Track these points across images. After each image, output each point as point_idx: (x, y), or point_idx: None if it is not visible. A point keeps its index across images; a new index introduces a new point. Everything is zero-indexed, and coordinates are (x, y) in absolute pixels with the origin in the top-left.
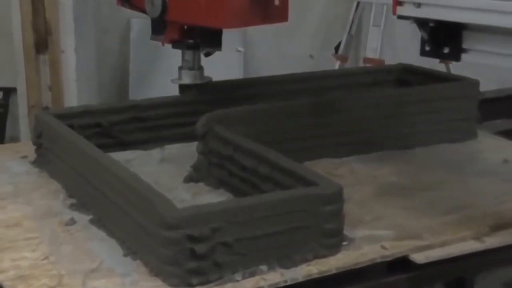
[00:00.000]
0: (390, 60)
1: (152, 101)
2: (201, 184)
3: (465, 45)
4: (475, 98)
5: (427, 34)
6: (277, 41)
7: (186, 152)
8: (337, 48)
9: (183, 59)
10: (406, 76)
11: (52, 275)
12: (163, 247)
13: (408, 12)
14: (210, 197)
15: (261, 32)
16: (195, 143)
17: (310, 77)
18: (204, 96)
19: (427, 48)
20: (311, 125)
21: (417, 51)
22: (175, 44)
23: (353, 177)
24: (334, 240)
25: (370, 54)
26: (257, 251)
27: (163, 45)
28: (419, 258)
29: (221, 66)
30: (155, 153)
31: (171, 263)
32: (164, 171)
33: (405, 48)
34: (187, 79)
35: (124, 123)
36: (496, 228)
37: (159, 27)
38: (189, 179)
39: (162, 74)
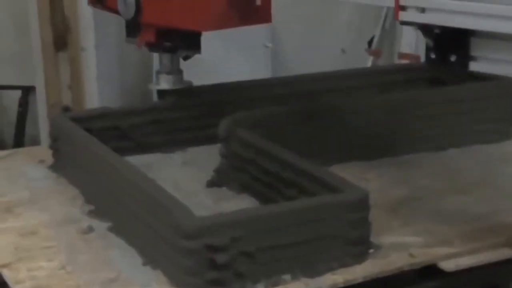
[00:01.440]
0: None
1: (172, 103)
2: (224, 189)
3: (473, 53)
4: (508, 98)
5: (432, 41)
6: (307, 35)
7: (208, 155)
8: (370, 43)
9: (160, 63)
10: (440, 74)
11: (69, 286)
12: (182, 257)
13: (411, 18)
14: (233, 202)
15: (290, 26)
16: (218, 146)
17: (339, 76)
18: (226, 97)
19: (433, 56)
20: (337, 127)
21: None
22: (152, 47)
23: (383, 180)
24: (360, 248)
25: (405, 50)
26: (280, 260)
27: (139, 48)
28: (448, 266)
29: (248, 62)
30: (176, 156)
31: (191, 274)
32: (185, 175)
33: None
34: (165, 84)
35: (143, 126)
36: None
37: (133, 29)
38: (211, 183)
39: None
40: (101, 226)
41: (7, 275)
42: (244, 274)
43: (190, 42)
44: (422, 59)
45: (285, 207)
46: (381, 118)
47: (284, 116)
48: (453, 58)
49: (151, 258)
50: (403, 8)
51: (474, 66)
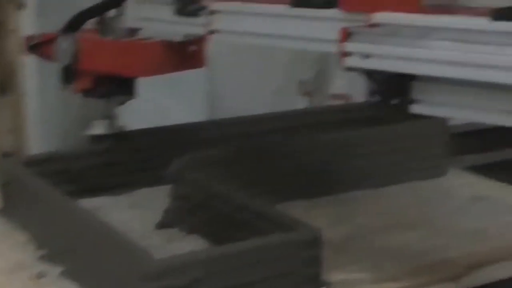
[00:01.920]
0: (358, 96)
1: (115, 146)
2: (174, 230)
3: (414, 96)
4: (443, 135)
5: (376, 85)
6: (242, 78)
7: (154, 197)
8: (303, 84)
9: (95, 109)
10: (377, 113)
11: None
12: None
13: (356, 64)
14: (185, 243)
15: (226, 69)
16: (164, 187)
17: (279, 117)
18: (167, 140)
19: (376, 99)
20: (281, 167)
21: None
22: (87, 93)
23: (327, 218)
24: (313, 286)
25: (337, 91)
26: None
27: (74, 94)
28: None
29: (186, 104)
30: (123, 198)
31: None
32: (134, 217)
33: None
34: (99, 129)
35: (91, 168)
36: (471, 268)
37: (69, 76)
38: (161, 225)
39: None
40: (53, 271)
41: None
42: None
43: (125, 88)
44: (354, 99)
45: (243, 247)
46: (323, 157)
47: (231, 157)
48: (395, 101)
49: None
50: (347, 54)
51: (415, 109)
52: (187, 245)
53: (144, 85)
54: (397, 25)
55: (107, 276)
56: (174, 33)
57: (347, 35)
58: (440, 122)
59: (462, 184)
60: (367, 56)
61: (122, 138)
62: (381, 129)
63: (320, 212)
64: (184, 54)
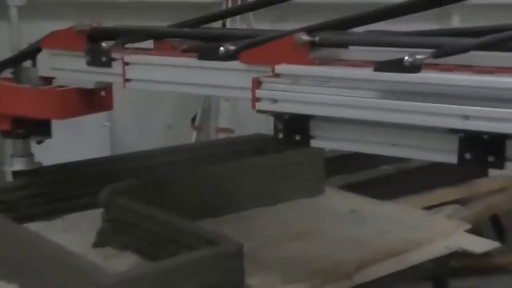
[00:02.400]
0: (239, 129)
1: (43, 180)
2: (108, 248)
3: (312, 133)
4: (319, 161)
5: (282, 125)
6: (139, 114)
7: (84, 220)
8: (193, 120)
9: (13, 148)
10: (263, 144)
11: None
12: None
13: (265, 107)
14: (120, 259)
15: (125, 107)
16: (91, 211)
17: (183, 149)
18: (80, 173)
19: (280, 136)
20: (189, 192)
21: (259, 122)
22: (6, 134)
23: (235, 233)
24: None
25: (222, 125)
26: None
27: None
28: None
29: (90, 140)
30: (56, 223)
31: None
32: (70, 239)
33: (250, 119)
34: (19, 166)
35: (21, 199)
36: (360, 268)
37: None
38: (97, 244)
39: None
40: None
41: None
42: None
43: (42, 129)
44: (236, 132)
45: (179, 261)
46: (223, 182)
47: (149, 185)
48: (297, 137)
49: None
50: (258, 99)
51: (313, 143)
52: (123, 261)
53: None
54: (296, 75)
55: None
56: (86, 81)
57: (257, 83)
58: (317, 150)
59: (339, 200)
60: (275, 100)
61: (39, 173)
62: (269, 157)
63: (228, 228)
64: (95, 99)
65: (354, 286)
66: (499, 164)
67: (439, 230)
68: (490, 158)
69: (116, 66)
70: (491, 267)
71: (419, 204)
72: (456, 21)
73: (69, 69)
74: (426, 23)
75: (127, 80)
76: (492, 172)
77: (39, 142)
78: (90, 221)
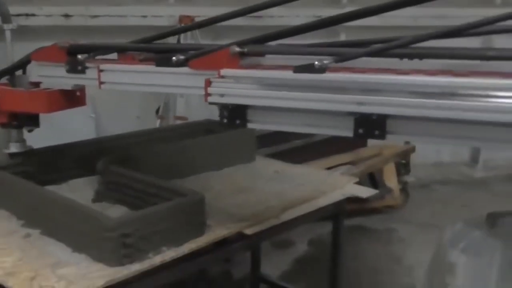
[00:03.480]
0: (191, 117)
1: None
2: (103, 203)
3: (248, 118)
4: (252, 137)
5: (227, 112)
6: (116, 108)
7: (84, 184)
8: (157, 111)
9: (11, 135)
10: (211, 126)
11: (30, 270)
12: (105, 242)
13: (215, 100)
14: (113, 210)
15: (106, 102)
16: (88, 178)
17: (151, 131)
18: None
19: (225, 121)
20: (159, 162)
21: (205, 111)
22: (3, 125)
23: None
24: (200, 228)
25: (179, 114)
26: (160, 239)
27: None
28: (248, 231)
29: (80, 128)
30: (63, 187)
31: (111, 252)
32: (75, 197)
33: (199, 109)
34: (15, 149)
35: (39, 167)
36: (284, 209)
37: None
38: (95, 200)
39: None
40: (35, 232)
41: None
42: (142, 249)
43: (32, 120)
44: (190, 119)
45: (161, 208)
46: (183, 154)
47: (132, 156)
48: (238, 121)
49: (76, 248)
50: (210, 94)
51: (250, 125)
52: (115, 211)
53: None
54: (237, 77)
55: (76, 232)
56: (66, 85)
57: (209, 82)
58: (250, 130)
59: (266, 165)
60: (222, 95)
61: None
62: (215, 136)
63: (190, 185)
64: (72, 98)
65: (281, 223)
66: (382, 136)
67: (337, 183)
68: (376, 132)
69: (92, 73)
70: (369, 210)
71: (322, 166)
72: (343, 38)
73: (53, 76)
74: (321, 39)
75: (102, 82)
76: (370, 142)
77: (29, 131)
78: (88, 184)
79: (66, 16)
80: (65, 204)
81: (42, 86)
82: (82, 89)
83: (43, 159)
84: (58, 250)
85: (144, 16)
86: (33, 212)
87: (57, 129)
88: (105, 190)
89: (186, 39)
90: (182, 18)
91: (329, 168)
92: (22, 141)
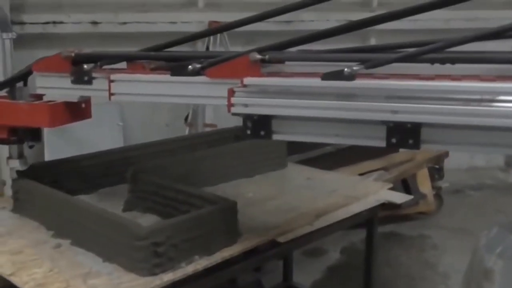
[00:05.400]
0: (220, 124)
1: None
2: (134, 212)
3: (273, 129)
4: (283, 143)
5: (250, 123)
6: (145, 115)
7: (114, 193)
8: (186, 118)
9: (10, 151)
10: (240, 133)
11: (61, 280)
12: (136, 252)
13: (239, 111)
14: (144, 219)
15: (134, 110)
16: (117, 187)
17: (182, 139)
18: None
19: (248, 132)
20: (191, 168)
21: (235, 118)
22: (3, 141)
23: (229, 196)
24: (233, 235)
25: (208, 121)
26: (193, 248)
27: None
28: (281, 239)
29: (107, 136)
30: (94, 196)
31: (142, 261)
32: (105, 207)
33: (229, 116)
34: (14, 165)
35: (65, 179)
36: (318, 216)
37: None
38: (125, 209)
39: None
40: (65, 242)
41: (15, 280)
42: (174, 258)
43: (33, 135)
44: (219, 126)
45: (191, 216)
46: (214, 161)
47: (162, 165)
48: (262, 132)
49: (107, 257)
50: (233, 105)
51: (275, 137)
52: (147, 219)
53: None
54: (260, 85)
55: (106, 241)
56: (71, 96)
57: (232, 92)
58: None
59: (297, 171)
60: (246, 105)
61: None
62: (246, 143)
63: (221, 193)
64: (78, 110)
65: (315, 230)
66: (417, 145)
67: (370, 189)
68: (410, 141)
69: (99, 83)
70: (403, 216)
71: (354, 172)
72: (373, 42)
73: (57, 87)
74: (351, 44)
75: (112, 94)
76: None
77: (31, 147)
78: (117, 194)
79: (94, 23)
80: (95, 213)
81: (45, 98)
82: (87, 100)
83: (71, 169)
84: (89, 260)
85: (173, 22)
86: (63, 222)
87: (84, 138)
88: (135, 199)
89: (215, 46)
90: (211, 24)
91: (361, 174)
92: (23, 157)
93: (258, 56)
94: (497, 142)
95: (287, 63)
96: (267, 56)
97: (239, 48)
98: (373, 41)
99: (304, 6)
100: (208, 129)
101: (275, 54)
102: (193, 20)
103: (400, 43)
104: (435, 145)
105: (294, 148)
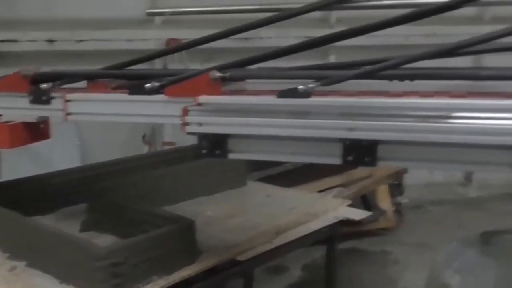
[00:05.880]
0: (180, 142)
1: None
2: (91, 232)
3: (229, 148)
4: (242, 161)
5: (206, 142)
6: (103, 134)
7: (71, 214)
8: (144, 136)
9: None
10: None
11: None
12: (94, 272)
13: (193, 130)
14: (101, 239)
15: (92, 128)
16: (74, 207)
17: (141, 157)
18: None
19: (204, 151)
20: (150, 187)
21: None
22: None
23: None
24: (192, 254)
25: (166, 139)
26: (151, 268)
27: None
28: (241, 257)
29: (65, 155)
30: (50, 217)
31: (100, 282)
32: (63, 227)
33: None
34: None
35: (25, 197)
36: (278, 234)
37: None
38: (82, 229)
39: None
40: (20, 264)
41: None
42: (132, 278)
43: None
44: (178, 144)
45: (151, 235)
46: (173, 179)
47: (122, 184)
48: (217, 151)
49: (64, 279)
50: (187, 124)
51: (231, 156)
52: (104, 240)
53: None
54: (215, 104)
55: (65, 262)
56: (30, 116)
57: (186, 111)
58: None
59: (257, 189)
60: (200, 124)
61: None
62: (205, 160)
63: (181, 212)
64: (36, 131)
65: (275, 247)
66: (373, 163)
67: (330, 206)
68: (367, 159)
69: (57, 103)
70: (363, 232)
71: (314, 189)
72: (333, 59)
73: (15, 107)
74: (311, 61)
75: (68, 114)
76: None
77: None
78: (75, 214)
79: (50, 41)
80: (51, 234)
81: (2, 118)
82: (46, 121)
83: (27, 189)
84: (46, 282)
85: (130, 40)
86: (18, 243)
87: (40, 158)
88: (93, 219)
89: (174, 63)
90: (169, 41)
91: (321, 191)
92: None
93: (219, 74)
94: (454, 158)
95: (248, 80)
96: (228, 74)
97: (198, 65)
98: (333, 58)
99: (265, 24)
100: (167, 147)
101: (236, 71)
102: (151, 38)
103: (359, 61)
104: (392, 162)
105: (254, 165)
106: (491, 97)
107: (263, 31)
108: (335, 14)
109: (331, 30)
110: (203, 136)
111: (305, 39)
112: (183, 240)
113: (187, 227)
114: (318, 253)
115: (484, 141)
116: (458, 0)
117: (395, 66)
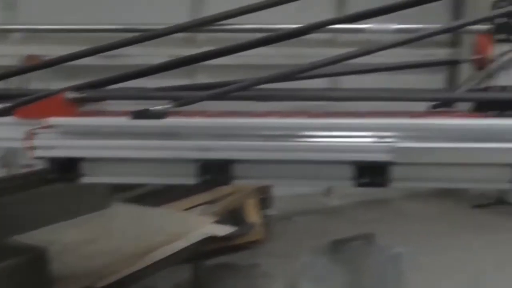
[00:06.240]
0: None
1: None
2: None
3: (83, 171)
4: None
5: (57, 166)
6: None
7: None
8: (3, 159)
9: None
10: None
11: None
12: None
13: (42, 154)
14: None
15: None
16: None
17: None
18: None
19: (54, 175)
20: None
21: None
22: None
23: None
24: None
25: (24, 162)
26: None
27: None
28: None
29: None
30: None
31: None
32: None
33: None
34: None
35: None
36: (143, 256)
37: None
38: None
39: None
40: None
41: None
42: None
43: None
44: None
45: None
46: (32, 204)
47: None
48: (70, 176)
49: None
50: (35, 147)
51: (84, 180)
52: None
53: None
54: (65, 125)
55: None
56: None
57: (32, 134)
58: None
59: (122, 210)
60: (50, 147)
61: None
62: (62, 184)
63: (33, 240)
64: None
65: (137, 271)
66: (227, 182)
67: (196, 224)
68: (222, 178)
69: None
70: (234, 247)
71: (183, 207)
72: (201, 78)
73: None
74: (179, 80)
75: None
76: None
77: None
78: None
79: None
80: None
81: None
82: None
83: None
84: None
85: None
86: None
87: None
88: None
89: (33, 80)
90: (28, 58)
91: (190, 208)
92: None
93: (73, 95)
94: (307, 175)
95: (109, 101)
96: (84, 94)
97: (60, 83)
98: (200, 77)
99: (131, 43)
100: (25, 169)
101: (92, 92)
102: (8, 54)
103: (217, 82)
104: (248, 180)
105: (120, 186)
106: (345, 116)
107: (130, 49)
108: (202, 35)
109: (198, 49)
110: (52, 160)
111: (171, 58)
112: (34, 272)
113: (37, 257)
114: (189, 271)
115: (327, 158)
116: (308, 26)
117: (245, 87)
